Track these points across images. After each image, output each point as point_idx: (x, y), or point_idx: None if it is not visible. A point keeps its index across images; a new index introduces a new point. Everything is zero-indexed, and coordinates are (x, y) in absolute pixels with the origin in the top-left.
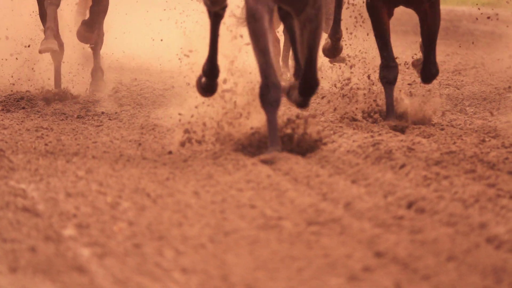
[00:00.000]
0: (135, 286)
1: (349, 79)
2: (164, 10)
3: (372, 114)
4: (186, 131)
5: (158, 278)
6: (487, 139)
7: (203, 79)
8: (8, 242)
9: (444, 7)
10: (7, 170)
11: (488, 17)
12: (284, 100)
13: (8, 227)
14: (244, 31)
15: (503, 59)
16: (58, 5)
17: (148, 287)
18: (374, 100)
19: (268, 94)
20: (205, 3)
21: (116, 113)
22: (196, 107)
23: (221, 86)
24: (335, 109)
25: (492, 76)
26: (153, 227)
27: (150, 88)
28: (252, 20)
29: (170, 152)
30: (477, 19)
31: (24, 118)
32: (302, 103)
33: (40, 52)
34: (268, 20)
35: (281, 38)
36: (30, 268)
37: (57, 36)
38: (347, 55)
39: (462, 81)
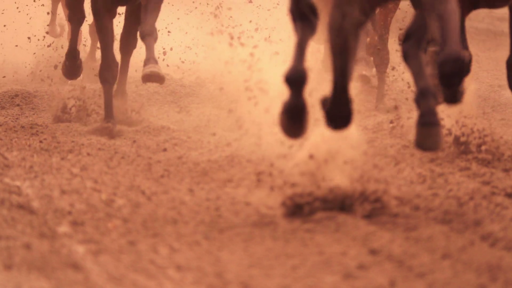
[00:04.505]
0: (130, 283)
1: None
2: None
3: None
4: None
5: (153, 275)
6: (482, 136)
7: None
8: (3, 239)
9: None
10: (2, 167)
11: None
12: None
13: (3, 224)
14: None
15: (498, 56)
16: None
17: (143, 284)
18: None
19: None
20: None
21: None
22: None
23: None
24: None
25: (487, 73)
26: (147, 224)
27: (145, 85)
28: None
29: (164, 150)
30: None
31: (19, 115)
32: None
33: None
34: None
35: None
36: (25, 265)
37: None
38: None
39: None
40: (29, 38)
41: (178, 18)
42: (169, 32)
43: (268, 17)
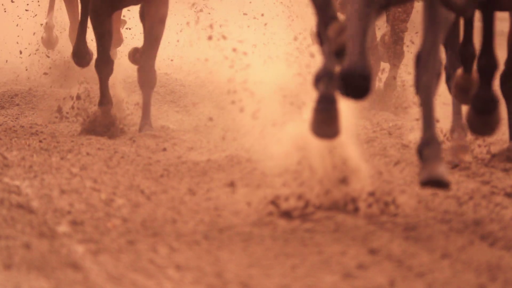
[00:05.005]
0: (129, 282)
1: None
2: None
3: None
4: None
5: (152, 275)
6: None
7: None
8: (2, 239)
9: None
10: (1, 167)
11: None
12: None
13: (3, 224)
14: None
15: (498, 56)
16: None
17: (142, 283)
18: None
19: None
20: None
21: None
22: None
23: None
24: None
25: None
26: (147, 223)
27: None
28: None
29: (164, 149)
30: None
31: (18, 115)
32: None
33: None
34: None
35: None
36: (24, 264)
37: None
38: None
39: None
40: (20, 52)
41: (188, 23)
42: (177, 40)
43: (265, 31)
